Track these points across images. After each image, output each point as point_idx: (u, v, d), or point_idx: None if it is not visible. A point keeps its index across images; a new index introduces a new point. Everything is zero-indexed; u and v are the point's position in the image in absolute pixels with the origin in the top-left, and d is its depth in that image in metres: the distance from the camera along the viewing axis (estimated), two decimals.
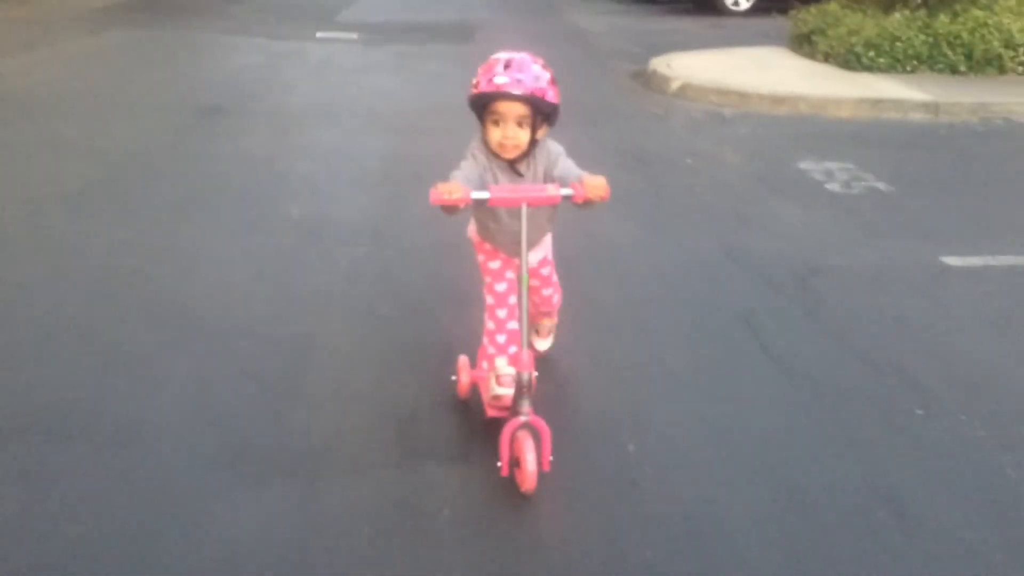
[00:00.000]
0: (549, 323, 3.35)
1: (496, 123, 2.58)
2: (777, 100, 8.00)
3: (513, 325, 2.83)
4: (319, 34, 11.96)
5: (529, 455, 2.50)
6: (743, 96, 8.13)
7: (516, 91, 2.50)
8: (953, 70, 8.84)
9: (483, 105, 2.58)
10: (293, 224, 4.82)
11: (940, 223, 5.06)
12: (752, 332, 3.69)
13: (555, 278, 3.12)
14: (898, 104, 7.75)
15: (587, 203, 2.54)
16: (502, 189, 2.57)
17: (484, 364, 2.94)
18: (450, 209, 2.51)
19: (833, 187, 5.71)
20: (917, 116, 7.65)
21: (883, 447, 2.92)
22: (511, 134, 2.58)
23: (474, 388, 3.02)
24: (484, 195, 2.51)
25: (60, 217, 4.86)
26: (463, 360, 3.02)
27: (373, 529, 2.47)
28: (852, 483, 2.72)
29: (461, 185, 2.48)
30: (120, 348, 3.43)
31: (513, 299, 2.85)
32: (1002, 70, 8.85)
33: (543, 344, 3.39)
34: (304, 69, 9.57)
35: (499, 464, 2.55)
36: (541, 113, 2.57)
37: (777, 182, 5.84)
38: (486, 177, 2.66)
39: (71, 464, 2.73)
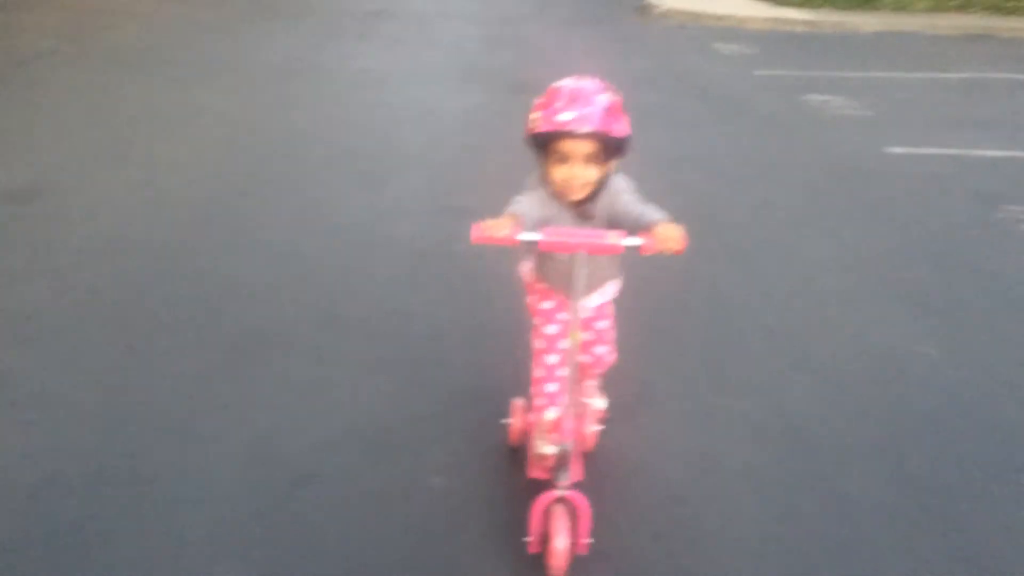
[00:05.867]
0: (592, 382, 2.81)
1: (561, 160, 2.20)
2: (718, 18, 13.00)
3: (564, 372, 2.45)
4: None
5: (560, 534, 2.22)
6: (698, 16, 13.15)
7: (582, 129, 2.13)
8: (841, 6, 13.75)
9: (544, 143, 2.21)
10: (448, 37, 10.08)
11: (768, 63, 10.06)
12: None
13: (613, 335, 2.64)
14: (790, 22, 12.72)
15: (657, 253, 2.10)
16: (558, 233, 2.12)
17: (532, 416, 2.58)
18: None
19: (726, 52, 10.73)
20: (799, 29, 12.60)
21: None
22: (579, 173, 2.21)
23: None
24: (535, 237, 2.10)
25: (281, 30, 10.18)
26: (517, 403, 2.70)
27: None
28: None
29: (511, 223, 2.11)
30: (302, 80, 8.66)
31: (565, 343, 2.45)
32: (874, 7, 13.74)
33: (599, 403, 2.83)
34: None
35: (527, 540, 2.30)
36: (610, 148, 2.20)
37: (696, 52, 10.85)
38: (547, 213, 2.26)
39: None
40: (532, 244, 2.11)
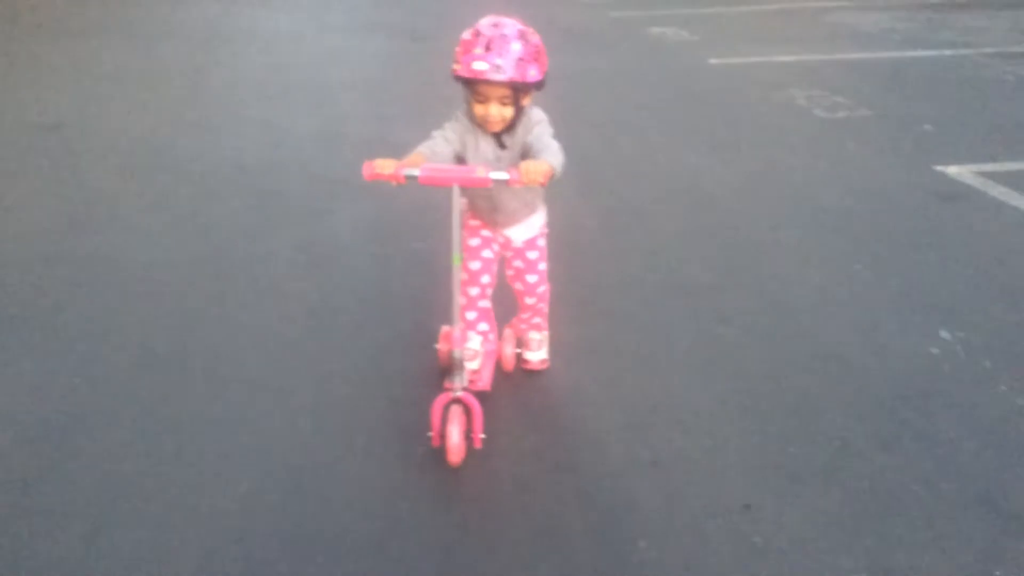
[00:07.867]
0: (538, 336, 3.15)
1: (480, 100, 2.53)
2: None
3: (484, 304, 2.89)
4: None
5: (454, 429, 2.54)
6: None
7: (495, 77, 2.43)
8: None
9: (465, 81, 2.50)
10: None
11: (620, 6, 11.93)
12: None
13: (543, 267, 2.96)
14: None
15: (529, 187, 2.44)
16: (433, 169, 2.47)
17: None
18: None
19: (586, 0, 12.58)
20: None
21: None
22: (494, 112, 2.53)
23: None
24: (414, 172, 2.44)
25: None
26: (446, 331, 2.85)
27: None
28: None
29: (395, 162, 2.45)
30: None
31: (486, 278, 2.87)
32: None
33: (536, 356, 3.17)
34: None
35: (429, 435, 2.63)
36: (525, 89, 2.51)
37: (559, 1, 12.68)
38: (468, 140, 2.64)
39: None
40: (413, 179, 2.44)
